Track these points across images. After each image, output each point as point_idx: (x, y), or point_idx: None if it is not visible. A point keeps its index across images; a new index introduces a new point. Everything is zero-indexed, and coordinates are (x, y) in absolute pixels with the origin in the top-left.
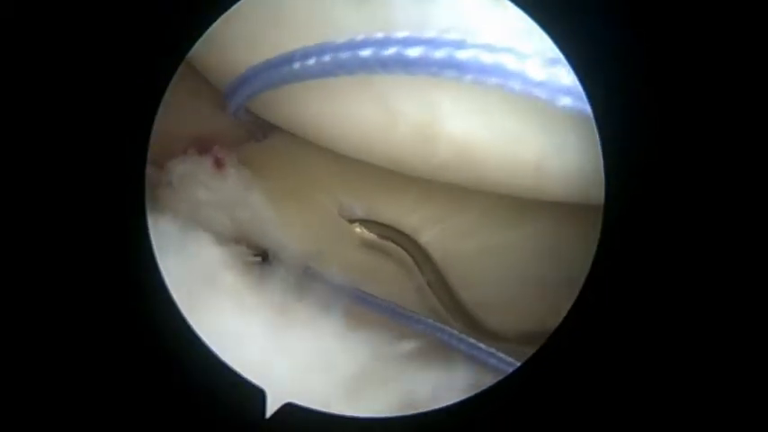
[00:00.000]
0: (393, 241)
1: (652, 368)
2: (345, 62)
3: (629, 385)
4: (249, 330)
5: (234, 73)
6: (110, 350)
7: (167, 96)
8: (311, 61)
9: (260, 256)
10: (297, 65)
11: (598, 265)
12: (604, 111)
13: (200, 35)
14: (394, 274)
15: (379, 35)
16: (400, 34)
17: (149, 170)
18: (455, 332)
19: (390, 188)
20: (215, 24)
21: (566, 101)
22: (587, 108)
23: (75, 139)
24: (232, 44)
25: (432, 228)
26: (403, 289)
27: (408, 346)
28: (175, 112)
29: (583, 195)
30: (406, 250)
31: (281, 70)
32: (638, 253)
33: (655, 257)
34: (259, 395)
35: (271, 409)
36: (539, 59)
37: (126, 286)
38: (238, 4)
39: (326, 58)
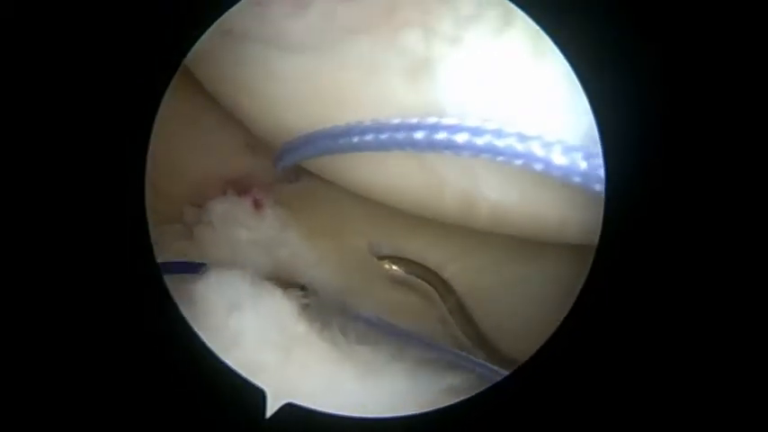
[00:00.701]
0: (418, 276)
1: (638, 379)
2: (400, 141)
3: (618, 399)
4: (337, 381)
5: (281, 131)
6: (109, 350)
7: (202, 141)
8: (369, 137)
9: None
10: (355, 139)
11: (592, 281)
12: (603, 110)
13: (198, 37)
14: (419, 306)
15: (432, 120)
16: (449, 121)
17: (188, 210)
18: (479, 361)
19: (415, 227)
20: (267, 83)
21: (578, 180)
22: (597, 186)
23: (75, 141)
24: (284, 105)
25: (454, 263)
26: (427, 320)
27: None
28: (209, 155)
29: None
30: (430, 284)
31: (338, 141)
32: (629, 269)
33: (642, 279)
34: (259, 395)
35: (271, 409)
36: (560, 147)
37: (125, 286)
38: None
39: (384, 136)
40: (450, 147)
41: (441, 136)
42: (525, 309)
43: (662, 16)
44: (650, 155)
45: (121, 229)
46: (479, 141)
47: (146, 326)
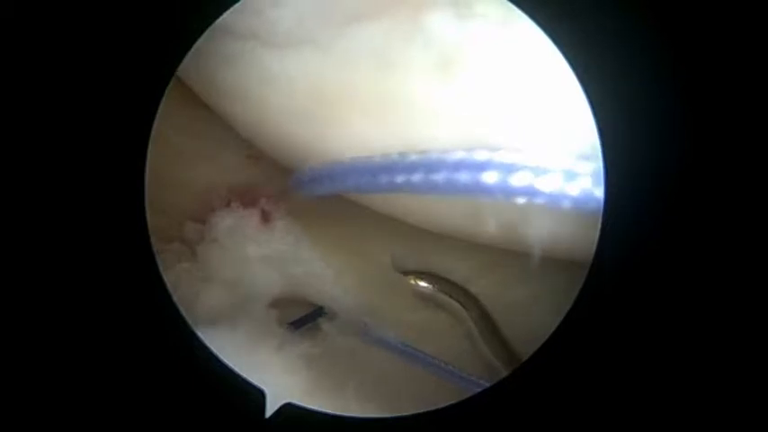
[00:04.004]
0: (446, 293)
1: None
2: (462, 185)
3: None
4: None
5: (280, 142)
6: (111, 351)
7: (201, 150)
8: (417, 177)
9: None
10: (400, 178)
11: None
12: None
13: (190, 46)
14: (446, 325)
15: (505, 157)
16: (521, 159)
17: (189, 226)
18: None
19: (441, 238)
20: (258, 87)
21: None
22: None
23: (74, 146)
24: (279, 112)
25: (482, 277)
26: (454, 339)
27: None
28: (210, 164)
29: None
30: (457, 301)
31: (378, 180)
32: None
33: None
34: (259, 395)
35: (271, 409)
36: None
37: (126, 288)
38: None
39: (438, 176)
40: (530, 194)
41: (520, 180)
42: (554, 321)
43: (663, 17)
44: (651, 165)
45: (121, 231)
46: (572, 190)
47: (146, 327)
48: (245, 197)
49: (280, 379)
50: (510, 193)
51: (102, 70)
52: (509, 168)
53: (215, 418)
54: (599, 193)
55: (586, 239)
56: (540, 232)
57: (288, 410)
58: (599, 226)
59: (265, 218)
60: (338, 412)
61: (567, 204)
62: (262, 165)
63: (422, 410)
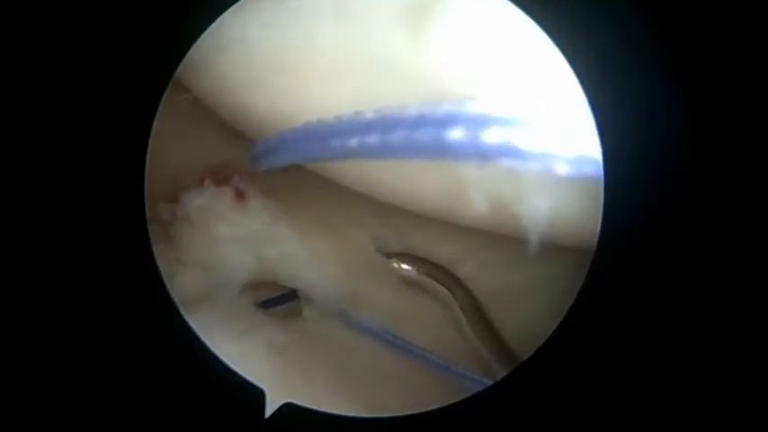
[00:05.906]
0: (431, 276)
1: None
2: (422, 144)
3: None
4: None
5: (245, 115)
6: (111, 351)
7: (172, 126)
8: (373, 138)
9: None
10: (354, 141)
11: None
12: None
13: (189, 47)
14: (431, 311)
15: (472, 109)
16: (496, 110)
17: (162, 206)
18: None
19: (426, 219)
20: (215, 54)
21: None
22: None
23: (72, 147)
24: (237, 80)
25: (470, 259)
26: (441, 326)
27: None
28: (183, 142)
29: None
30: (444, 285)
31: (330, 145)
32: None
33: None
34: (259, 395)
35: (270, 408)
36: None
37: (126, 288)
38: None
39: (394, 136)
40: (509, 154)
41: (494, 137)
42: (547, 310)
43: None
44: (650, 157)
45: (120, 232)
46: (567, 152)
47: (146, 327)
48: (219, 175)
49: (249, 366)
50: (484, 153)
51: (104, 72)
52: (479, 122)
53: (215, 418)
54: (595, 153)
55: (585, 221)
56: (536, 214)
57: (287, 410)
58: (599, 220)
59: (239, 196)
60: (310, 406)
61: (562, 168)
62: (240, 137)
63: (409, 405)
